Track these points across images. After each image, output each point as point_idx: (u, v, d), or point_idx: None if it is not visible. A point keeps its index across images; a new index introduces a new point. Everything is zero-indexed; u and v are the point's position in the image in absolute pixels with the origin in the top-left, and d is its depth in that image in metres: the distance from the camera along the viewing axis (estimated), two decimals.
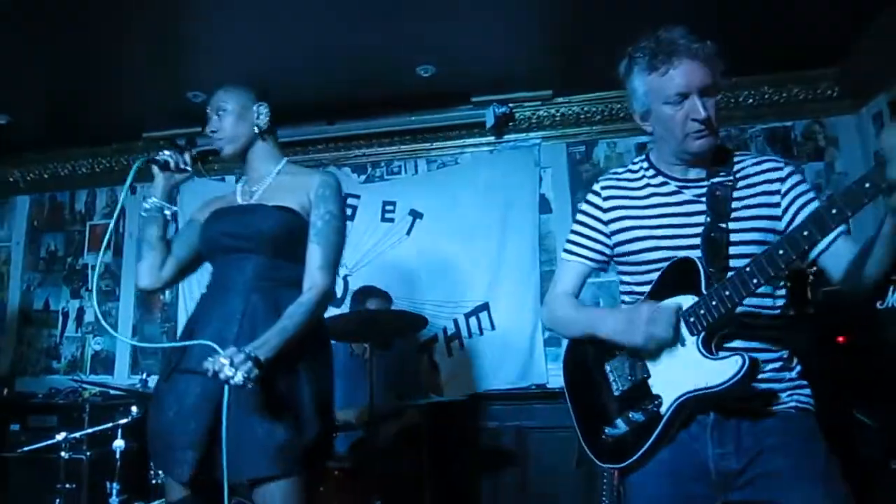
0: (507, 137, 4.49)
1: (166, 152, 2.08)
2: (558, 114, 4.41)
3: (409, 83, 4.06)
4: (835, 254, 1.50)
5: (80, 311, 4.92)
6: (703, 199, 1.61)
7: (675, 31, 1.59)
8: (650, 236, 1.64)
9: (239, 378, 1.59)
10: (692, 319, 1.51)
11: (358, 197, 4.56)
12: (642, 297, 1.63)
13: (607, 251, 1.75)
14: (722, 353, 1.50)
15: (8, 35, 3.46)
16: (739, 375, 1.42)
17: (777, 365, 1.56)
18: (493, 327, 4.23)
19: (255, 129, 2.07)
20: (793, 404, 1.54)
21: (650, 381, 1.57)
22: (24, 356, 4.93)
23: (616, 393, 1.63)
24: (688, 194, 1.64)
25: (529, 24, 3.55)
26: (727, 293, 1.45)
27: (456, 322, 4.27)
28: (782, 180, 1.60)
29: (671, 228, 1.62)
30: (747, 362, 1.42)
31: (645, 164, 1.73)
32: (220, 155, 2.11)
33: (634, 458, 1.56)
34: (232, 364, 1.60)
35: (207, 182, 4.66)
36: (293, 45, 3.65)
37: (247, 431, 1.75)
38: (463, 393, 3.94)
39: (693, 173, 1.65)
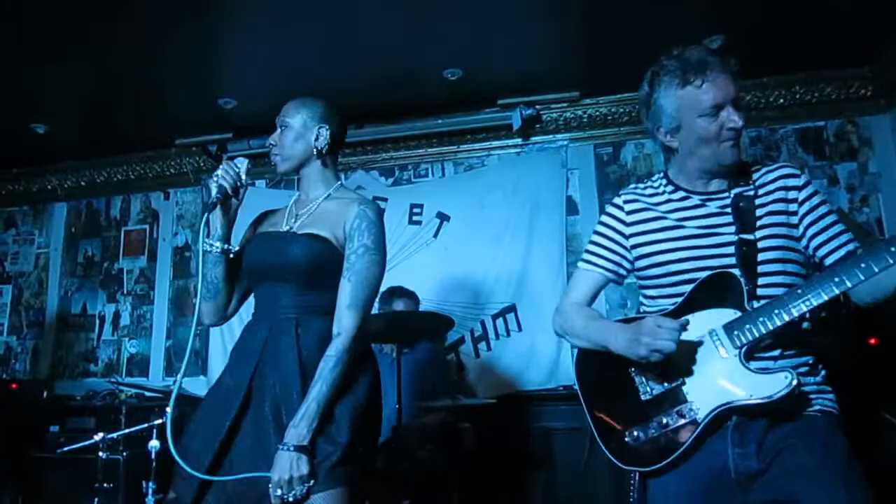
0: (533, 139, 4.49)
1: (221, 176, 1.92)
2: (585, 115, 4.40)
3: (435, 86, 4.09)
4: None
5: (116, 315, 5.03)
6: (728, 210, 1.63)
7: (698, 48, 1.65)
8: (677, 248, 1.65)
9: (301, 492, 1.65)
10: (736, 333, 1.53)
11: (386, 200, 4.60)
12: (666, 311, 1.64)
13: (626, 265, 1.78)
14: (764, 365, 1.53)
15: (45, 47, 3.56)
16: (786, 391, 1.45)
17: (803, 370, 1.56)
18: (519, 329, 4.23)
19: (313, 150, 2.02)
20: (817, 408, 1.55)
21: (685, 389, 1.58)
22: (63, 360, 5.05)
23: (644, 397, 1.63)
24: (712, 207, 1.66)
25: (555, 25, 3.55)
26: (776, 312, 1.49)
27: (483, 324, 4.28)
28: (799, 189, 1.63)
29: (698, 239, 1.64)
30: (795, 380, 1.45)
31: (664, 181, 1.76)
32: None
33: (666, 461, 1.56)
34: (289, 483, 1.65)
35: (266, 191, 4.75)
36: (321, 51, 3.69)
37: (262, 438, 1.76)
38: (490, 394, 3.94)
39: (714, 185, 1.67)
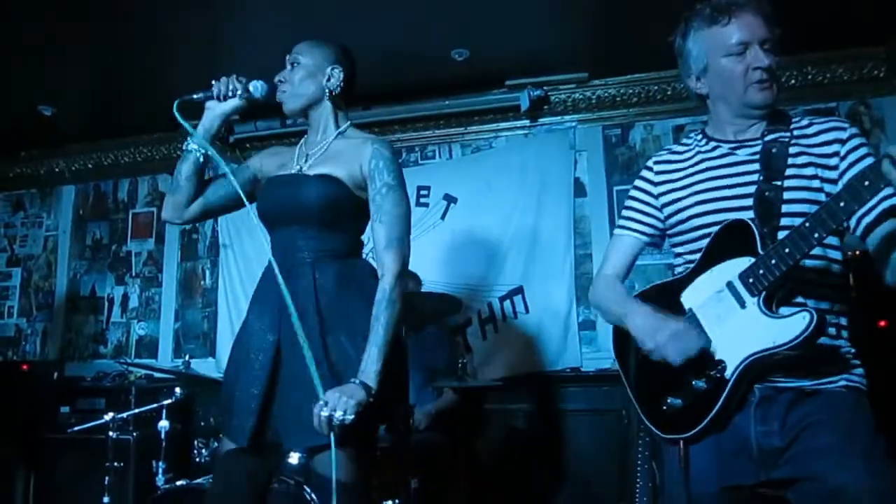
0: (542, 121, 4.47)
1: (223, 83, 2.01)
2: (594, 96, 4.36)
3: (443, 67, 4.07)
4: (884, 228, 1.46)
5: (125, 298, 5.06)
6: (758, 157, 1.58)
7: None
8: (699, 201, 1.62)
9: (350, 415, 1.64)
10: (751, 280, 1.47)
11: None
12: (693, 266, 1.60)
13: (660, 224, 1.74)
14: (785, 310, 1.46)
15: (51, 29, 3.56)
16: (808, 331, 1.38)
17: (832, 331, 1.51)
18: (527, 311, 4.23)
19: (325, 90, 1.99)
20: (842, 383, 1.49)
21: (712, 348, 1.52)
22: (73, 342, 5.09)
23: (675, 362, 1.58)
24: (741, 155, 1.61)
25: (564, 5, 3.52)
26: (787, 250, 1.41)
27: (490, 305, 4.29)
28: (842, 142, 1.53)
29: (720, 190, 1.59)
30: (815, 317, 1.39)
31: (699, 137, 1.72)
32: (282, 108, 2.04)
33: (702, 425, 1.51)
34: (337, 407, 1.64)
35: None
36: (327, 32, 3.62)
37: (303, 401, 1.75)
38: (498, 376, 3.96)
39: (751, 132, 1.62)
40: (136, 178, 5.21)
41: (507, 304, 4.27)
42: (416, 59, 3.98)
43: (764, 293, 1.46)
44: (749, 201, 1.54)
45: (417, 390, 3.47)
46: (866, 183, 1.32)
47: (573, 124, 4.42)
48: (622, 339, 1.71)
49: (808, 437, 1.45)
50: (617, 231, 1.81)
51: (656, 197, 1.72)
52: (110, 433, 3.35)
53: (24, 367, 4.70)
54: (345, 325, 1.83)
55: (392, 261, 1.83)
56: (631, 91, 4.29)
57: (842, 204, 1.36)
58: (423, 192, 4.51)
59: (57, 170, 5.31)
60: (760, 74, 1.55)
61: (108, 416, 3.32)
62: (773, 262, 1.43)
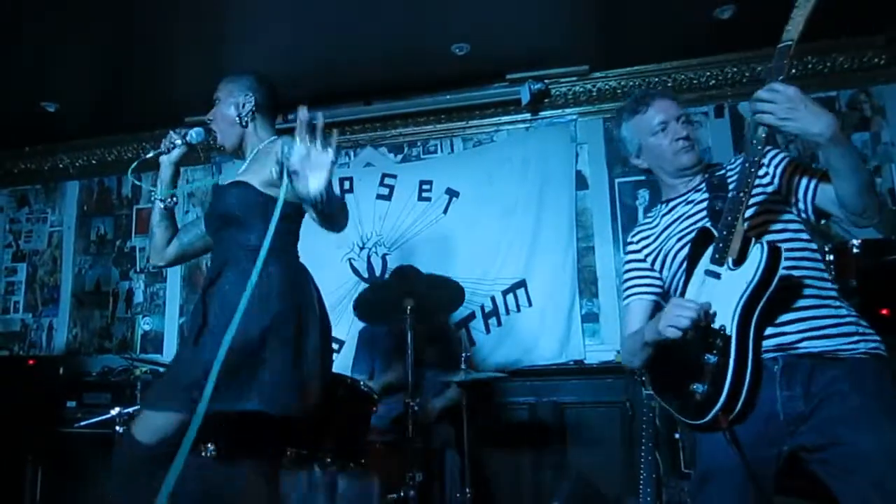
0: (543, 114, 4.47)
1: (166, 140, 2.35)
2: (595, 89, 4.36)
3: (444, 62, 4.07)
4: (822, 192, 1.69)
5: (130, 293, 5.08)
6: (703, 187, 1.88)
7: (648, 89, 1.95)
8: (675, 241, 1.88)
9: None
10: (717, 256, 1.67)
11: (395, 176, 4.60)
12: (683, 281, 1.81)
13: (659, 281, 1.97)
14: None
15: (54, 25, 3.57)
16: (763, 257, 1.58)
17: (831, 302, 1.69)
18: (530, 304, 4.25)
19: (238, 119, 2.22)
20: (863, 349, 1.63)
21: (714, 324, 1.64)
22: (78, 337, 5.12)
23: (692, 351, 1.70)
24: (692, 196, 1.91)
25: None
26: (728, 218, 1.64)
27: (493, 299, 4.30)
28: (767, 158, 1.80)
29: (686, 229, 1.87)
30: (765, 246, 1.59)
31: (660, 206, 2.02)
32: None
33: (726, 389, 1.57)
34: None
35: None
36: (329, 28, 3.68)
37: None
38: (501, 369, 3.98)
39: (694, 182, 1.93)
40: (139, 173, 5.21)
41: (509, 297, 4.28)
42: (417, 54, 3.99)
43: (729, 258, 1.65)
44: (703, 214, 1.84)
45: (422, 385, 3.50)
46: (753, 141, 1.61)
47: (574, 117, 4.42)
48: (653, 363, 1.87)
49: (831, 406, 1.57)
50: (625, 302, 2.03)
51: (644, 260, 1.99)
52: (117, 427, 3.38)
53: (31, 361, 4.74)
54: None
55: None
56: (632, 83, 4.29)
57: (746, 164, 1.62)
58: (425, 187, 4.52)
59: (61, 165, 5.33)
60: (682, 143, 1.88)
61: (115, 411, 3.35)
62: (724, 232, 1.66)
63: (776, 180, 1.77)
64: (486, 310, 4.30)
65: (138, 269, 5.09)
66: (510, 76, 4.27)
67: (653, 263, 1.96)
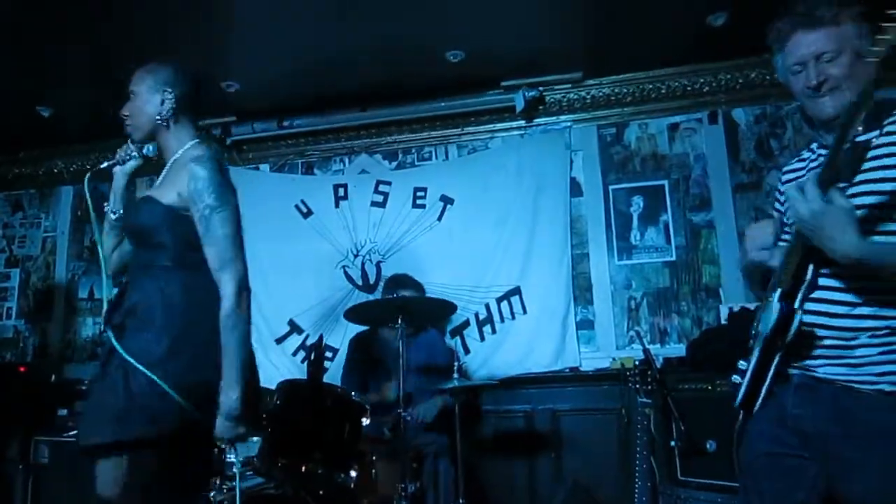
0: (537, 121, 4.47)
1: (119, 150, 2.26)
2: (589, 96, 4.37)
3: (438, 69, 4.07)
4: None
5: None
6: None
7: (798, 4, 1.63)
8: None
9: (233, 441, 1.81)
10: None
11: (389, 183, 4.59)
12: None
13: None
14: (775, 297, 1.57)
15: (50, 30, 3.56)
16: (775, 319, 1.54)
17: (882, 330, 1.50)
18: (524, 311, 4.23)
19: (158, 117, 2.04)
20: (884, 384, 1.47)
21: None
22: (71, 343, 5.09)
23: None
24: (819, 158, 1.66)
25: (558, 6, 3.53)
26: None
27: (488, 307, 4.29)
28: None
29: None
30: (783, 307, 1.53)
31: (814, 145, 1.74)
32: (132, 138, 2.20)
33: (746, 384, 1.66)
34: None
35: (242, 171, 4.77)
36: (323, 36, 3.68)
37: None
38: (496, 377, 3.97)
39: (829, 140, 1.59)
40: (133, 178, 5.19)
41: (504, 304, 4.27)
42: (412, 60, 3.99)
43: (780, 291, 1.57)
44: None
45: (416, 393, 3.49)
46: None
47: (568, 124, 4.42)
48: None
49: (833, 448, 1.51)
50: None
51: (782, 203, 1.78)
52: None
53: (22, 368, 4.70)
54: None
55: (227, 283, 1.84)
56: (625, 90, 4.30)
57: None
58: (419, 194, 4.51)
59: (55, 170, 5.31)
60: (811, 91, 1.59)
61: None
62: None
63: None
64: (481, 317, 4.29)
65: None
66: (505, 83, 4.27)
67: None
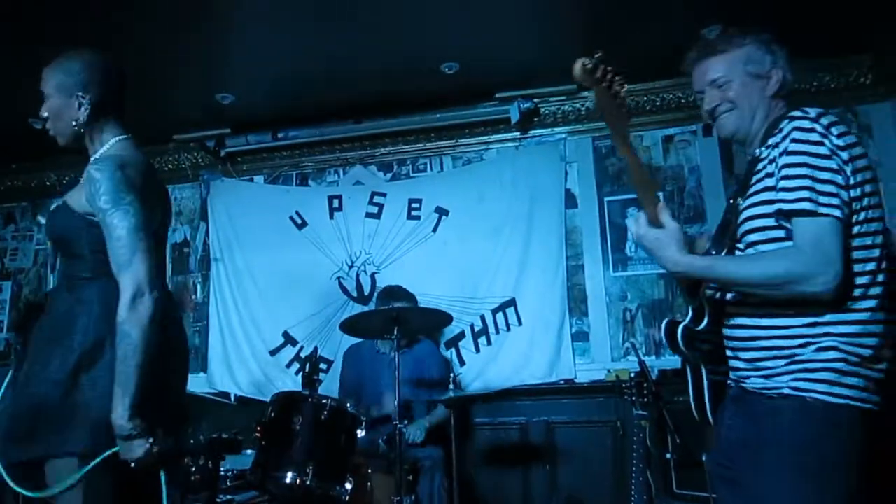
0: (532, 133, 4.48)
1: None
2: (583, 108, 4.38)
3: (433, 81, 4.08)
4: None
5: None
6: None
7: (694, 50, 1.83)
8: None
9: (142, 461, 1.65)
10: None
11: (384, 195, 4.59)
12: None
13: None
14: None
15: (40, 42, 3.55)
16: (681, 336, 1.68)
17: (769, 332, 1.54)
18: (520, 323, 4.23)
19: (74, 123, 1.86)
20: (785, 389, 1.48)
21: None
22: None
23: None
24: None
25: (553, 18, 3.54)
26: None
27: (483, 318, 4.28)
28: (776, 146, 1.55)
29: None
30: (664, 326, 1.71)
31: None
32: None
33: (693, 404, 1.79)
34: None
35: (237, 183, 4.76)
36: (320, 46, 3.68)
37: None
38: (491, 389, 3.95)
39: (751, 152, 1.70)
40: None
41: (499, 316, 4.26)
42: (407, 72, 4.00)
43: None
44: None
45: (410, 405, 3.47)
46: None
47: (563, 136, 4.43)
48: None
49: (737, 457, 1.58)
50: None
51: None
52: None
53: None
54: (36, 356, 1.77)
55: (124, 288, 1.70)
56: None
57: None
58: (414, 205, 4.51)
59: (48, 182, 5.29)
60: (708, 116, 1.75)
61: None
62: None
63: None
64: (476, 329, 4.28)
65: None
66: (499, 95, 4.28)
67: None
